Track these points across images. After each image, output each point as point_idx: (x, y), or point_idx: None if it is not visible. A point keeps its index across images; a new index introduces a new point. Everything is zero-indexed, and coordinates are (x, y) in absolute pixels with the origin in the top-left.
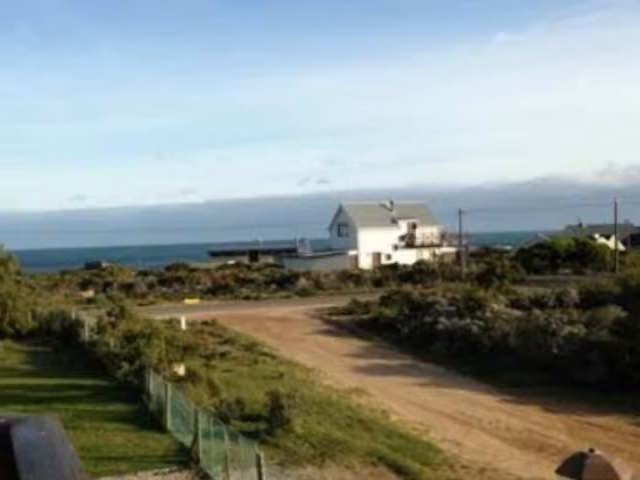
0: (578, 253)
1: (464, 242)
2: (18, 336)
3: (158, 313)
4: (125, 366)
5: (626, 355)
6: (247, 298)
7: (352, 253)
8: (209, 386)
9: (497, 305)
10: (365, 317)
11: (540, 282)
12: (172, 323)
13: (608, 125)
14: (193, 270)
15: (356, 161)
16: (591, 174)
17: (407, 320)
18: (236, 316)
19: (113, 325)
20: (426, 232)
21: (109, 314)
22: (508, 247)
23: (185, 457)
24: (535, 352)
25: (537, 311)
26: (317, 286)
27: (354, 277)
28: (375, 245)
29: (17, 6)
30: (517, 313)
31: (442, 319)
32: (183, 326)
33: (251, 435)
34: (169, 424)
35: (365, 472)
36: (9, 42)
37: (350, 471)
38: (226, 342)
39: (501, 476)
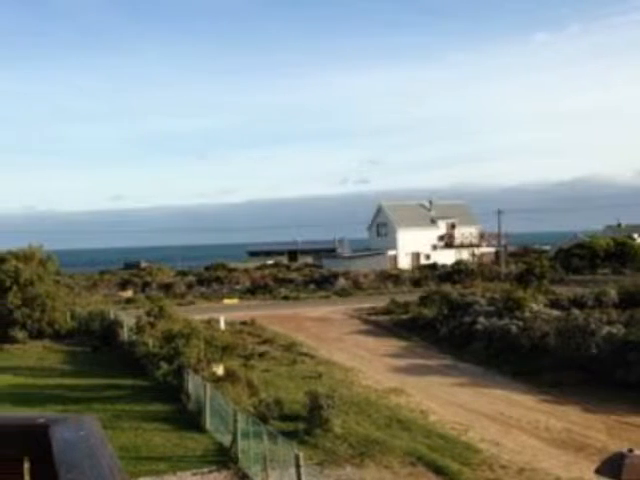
0: (617, 253)
1: (503, 242)
2: (57, 336)
3: (197, 313)
4: (164, 366)
5: None
6: (286, 298)
7: (391, 253)
8: (248, 386)
9: (536, 305)
10: (404, 317)
11: (579, 282)
12: (211, 323)
13: None
14: (232, 270)
15: (395, 161)
16: (630, 174)
17: (446, 320)
18: (275, 316)
19: (152, 325)
20: (465, 232)
21: (148, 314)
22: (547, 247)
23: (224, 457)
24: (574, 352)
25: (576, 311)
26: (356, 286)
27: (393, 277)
28: (414, 245)
29: (57, 6)
30: (556, 313)
31: (481, 319)
32: (222, 326)
33: (290, 435)
34: (208, 424)
35: (404, 472)
36: (47, 44)
37: (389, 471)
38: (265, 342)
39: (540, 476)
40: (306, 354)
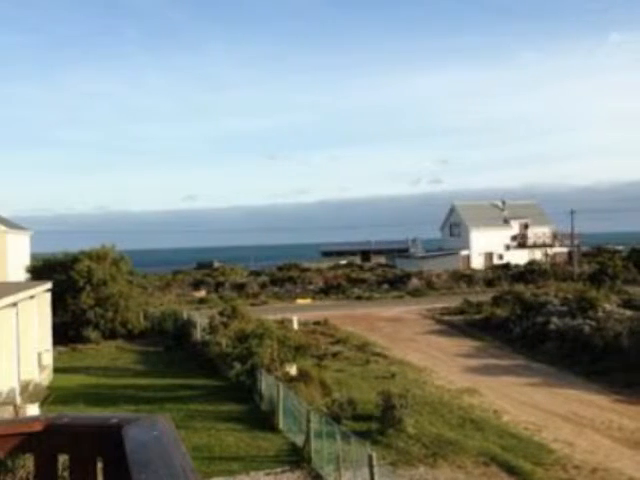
0: None
1: (576, 242)
2: (130, 336)
3: (270, 313)
4: (237, 366)
5: None
6: (359, 298)
7: (464, 253)
8: (321, 386)
9: (609, 305)
10: (477, 317)
11: None
12: (284, 323)
13: None
14: (305, 270)
15: (468, 161)
16: None
17: (519, 320)
18: (348, 316)
19: (225, 325)
20: (538, 232)
21: (221, 314)
22: (620, 247)
23: (297, 457)
24: None
25: None
26: (429, 286)
27: (466, 277)
28: (487, 245)
29: (124, 7)
30: (629, 313)
31: (554, 319)
32: (295, 326)
33: (363, 435)
34: (281, 424)
35: (477, 472)
36: (118, 43)
37: (462, 471)
38: (338, 342)
39: (613, 476)
40: (379, 354)
